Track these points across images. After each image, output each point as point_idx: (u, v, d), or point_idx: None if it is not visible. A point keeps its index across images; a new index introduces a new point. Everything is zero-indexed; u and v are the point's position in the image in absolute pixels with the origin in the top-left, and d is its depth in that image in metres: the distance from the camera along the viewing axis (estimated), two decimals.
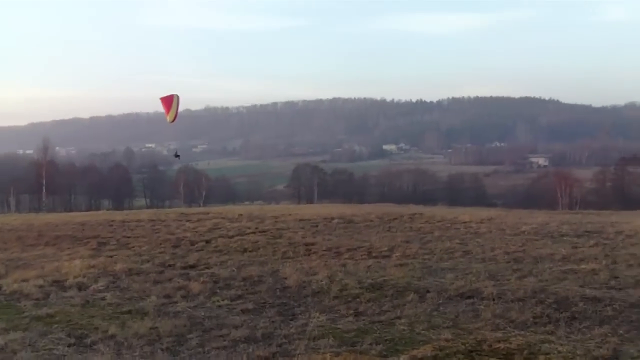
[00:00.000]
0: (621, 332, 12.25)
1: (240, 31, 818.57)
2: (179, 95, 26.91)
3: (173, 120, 26.72)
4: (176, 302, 15.18)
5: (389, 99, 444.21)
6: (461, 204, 71.45)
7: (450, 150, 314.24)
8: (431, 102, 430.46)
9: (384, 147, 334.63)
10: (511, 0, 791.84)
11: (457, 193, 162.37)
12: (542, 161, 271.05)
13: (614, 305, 14.05)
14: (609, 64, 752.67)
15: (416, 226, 30.39)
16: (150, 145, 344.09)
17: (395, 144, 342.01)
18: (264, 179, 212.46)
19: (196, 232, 30.90)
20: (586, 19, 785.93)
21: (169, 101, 26.74)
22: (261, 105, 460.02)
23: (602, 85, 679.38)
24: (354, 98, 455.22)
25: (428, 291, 15.53)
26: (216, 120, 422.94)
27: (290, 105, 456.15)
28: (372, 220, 32.83)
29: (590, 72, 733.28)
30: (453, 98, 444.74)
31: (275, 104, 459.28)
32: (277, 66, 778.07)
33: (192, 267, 20.68)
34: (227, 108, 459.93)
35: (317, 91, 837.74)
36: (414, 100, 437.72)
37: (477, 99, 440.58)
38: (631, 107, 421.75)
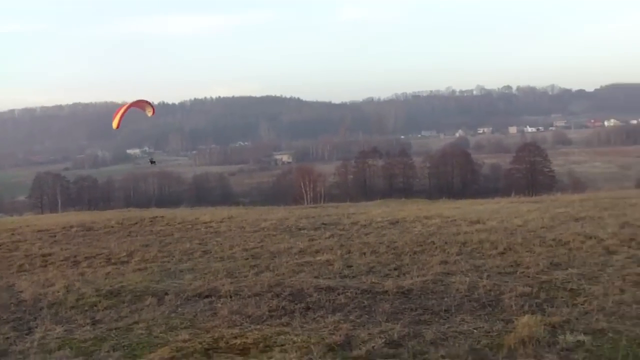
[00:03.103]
0: (352, 317, 12.73)
1: None
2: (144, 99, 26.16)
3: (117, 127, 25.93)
4: None
5: (131, 101, 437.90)
6: (207, 204, 71.67)
7: (195, 152, 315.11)
8: (174, 104, 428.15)
9: (128, 151, 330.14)
10: (251, 1, 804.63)
11: (203, 193, 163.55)
12: (286, 158, 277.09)
13: (346, 293, 14.53)
14: (347, 62, 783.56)
15: (156, 229, 29.97)
16: None
17: (139, 148, 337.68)
18: (4, 190, 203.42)
19: None
20: (323, 20, 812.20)
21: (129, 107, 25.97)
22: None
23: (341, 82, 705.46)
24: (95, 102, 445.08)
25: (166, 293, 15.38)
26: None
27: (29, 112, 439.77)
28: (112, 227, 32.07)
29: (329, 70, 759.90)
30: (196, 99, 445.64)
31: (12, 111, 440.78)
32: (12, 72, 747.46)
33: None
34: None
35: (57, 97, 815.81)
36: (156, 102, 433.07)
37: (219, 99, 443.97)
38: (369, 102, 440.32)
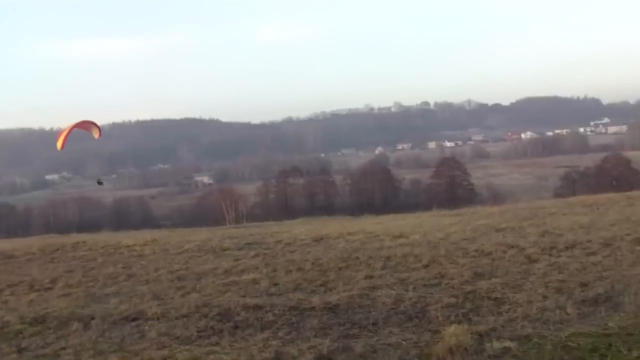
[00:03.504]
0: (281, 334, 12.78)
1: None
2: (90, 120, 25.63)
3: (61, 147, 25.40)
4: None
5: (48, 127, 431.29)
6: (128, 228, 70.84)
7: (114, 176, 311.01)
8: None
9: (47, 177, 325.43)
10: (167, 24, 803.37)
11: (123, 217, 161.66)
12: (206, 180, 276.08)
13: (274, 311, 14.53)
14: (266, 82, 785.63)
15: (79, 255, 29.47)
16: None
17: (58, 173, 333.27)
18: None
19: None
20: (241, 41, 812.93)
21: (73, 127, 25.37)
22: None
23: (260, 102, 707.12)
24: (11, 129, 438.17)
25: (93, 318, 15.17)
26: None
27: None
28: (34, 253, 31.45)
29: (248, 91, 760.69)
30: (114, 123, 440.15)
31: None
32: None
33: None
34: None
35: None
36: None
37: (138, 122, 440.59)
38: (288, 121, 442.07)
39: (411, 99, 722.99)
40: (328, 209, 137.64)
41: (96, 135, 27.20)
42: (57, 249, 32.03)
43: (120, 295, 18.21)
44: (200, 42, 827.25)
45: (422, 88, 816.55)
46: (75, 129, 26.88)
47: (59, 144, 26.46)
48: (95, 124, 27.17)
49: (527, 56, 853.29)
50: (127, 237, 35.47)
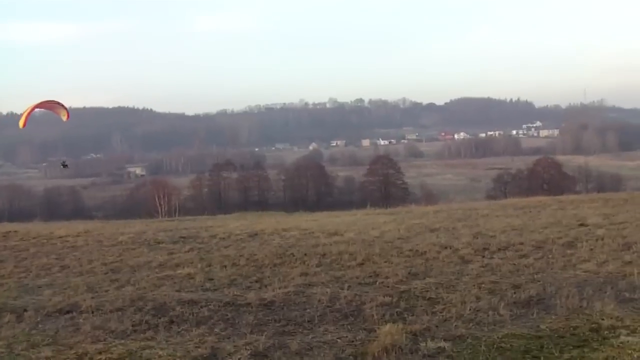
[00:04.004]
0: (217, 330, 12.79)
1: None
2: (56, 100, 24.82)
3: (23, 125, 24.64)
4: None
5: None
6: (59, 219, 69.84)
7: (45, 164, 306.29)
8: (20, 114, 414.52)
9: None
10: (101, 11, 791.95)
11: (55, 207, 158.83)
12: (139, 171, 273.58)
13: (209, 306, 14.53)
14: (200, 74, 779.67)
15: (11, 245, 28.85)
16: None
17: None
18: None
19: None
20: (176, 31, 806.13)
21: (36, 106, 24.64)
22: None
23: (195, 94, 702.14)
24: None
25: (25, 310, 14.94)
26: None
27: None
28: None
29: (182, 82, 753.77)
30: (45, 110, 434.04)
31: None
32: None
33: None
34: None
35: None
36: (4, 113, 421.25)
37: (70, 110, 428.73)
38: (222, 114, 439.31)
39: (346, 95, 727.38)
40: (262, 204, 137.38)
41: (64, 117, 26.66)
42: None
43: (53, 287, 17.96)
44: (135, 30, 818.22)
45: (357, 85, 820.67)
46: (42, 109, 26.44)
47: (21, 123, 26.17)
48: (62, 105, 26.59)
49: (462, 57, 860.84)
50: (59, 228, 35.02)
